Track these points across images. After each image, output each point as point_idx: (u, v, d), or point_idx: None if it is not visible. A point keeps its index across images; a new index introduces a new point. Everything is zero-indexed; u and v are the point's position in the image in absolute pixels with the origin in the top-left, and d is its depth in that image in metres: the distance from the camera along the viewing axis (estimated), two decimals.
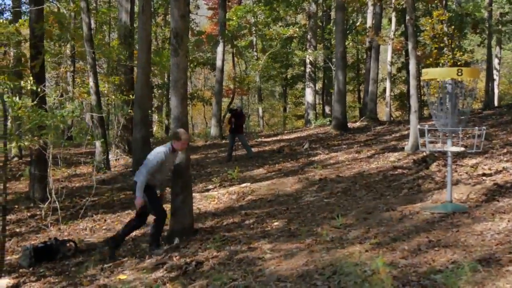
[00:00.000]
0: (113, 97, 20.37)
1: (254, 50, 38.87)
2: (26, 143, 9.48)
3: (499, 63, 37.62)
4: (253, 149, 19.04)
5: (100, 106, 18.78)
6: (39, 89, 11.53)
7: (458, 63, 21.32)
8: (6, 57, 21.25)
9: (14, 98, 9.10)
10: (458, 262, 5.67)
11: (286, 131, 28.45)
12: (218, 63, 27.41)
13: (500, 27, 28.89)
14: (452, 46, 24.27)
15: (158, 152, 8.80)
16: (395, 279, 5.39)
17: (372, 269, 5.73)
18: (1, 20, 15.70)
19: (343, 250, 6.77)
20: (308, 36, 32.54)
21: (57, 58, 30.45)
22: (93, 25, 25.36)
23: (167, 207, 11.13)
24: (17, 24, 15.88)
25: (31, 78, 11.72)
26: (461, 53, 23.32)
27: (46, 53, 15.34)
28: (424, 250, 6.30)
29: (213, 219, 10.34)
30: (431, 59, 21.98)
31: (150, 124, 33.21)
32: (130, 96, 19.24)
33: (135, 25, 22.41)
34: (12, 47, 18.50)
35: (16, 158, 21.88)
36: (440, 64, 21.49)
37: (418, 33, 27.87)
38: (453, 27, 23.11)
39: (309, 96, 32.36)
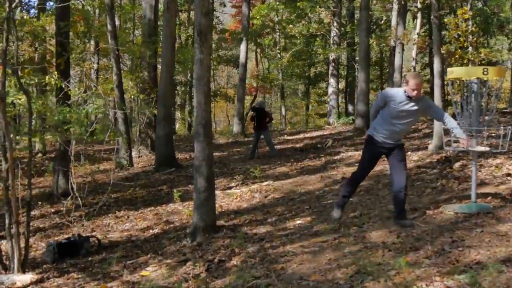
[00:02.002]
0: (135, 93, 20.48)
1: (278, 48, 38.85)
2: (49, 138, 9.56)
3: None
4: (275, 147, 19.02)
5: (124, 102, 18.88)
6: (63, 85, 11.62)
7: (482, 62, 21.12)
8: (33, 53, 21.43)
9: (38, 96, 9.19)
10: (482, 263, 5.63)
11: (308, 130, 28.41)
12: (241, 60, 27.47)
13: None
14: (477, 45, 24.08)
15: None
16: (418, 279, 5.36)
17: (395, 268, 5.71)
18: (27, 17, 15.83)
19: (366, 249, 6.75)
20: (332, 34, 32.46)
21: (82, 54, 30.64)
22: (117, 22, 25.50)
23: (189, 204, 11.20)
24: (41, 21, 16.01)
25: (55, 73, 11.81)
26: (486, 52, 23.12)
27: (71, 50, 15.43)
28: (448, 250, 6.26)
29: (236, 217, 10.35)
30: (455, 58, 21.81)
31: (173, 122, 33.31)
32: (154, 93, 19.33)
33: (159, 23, 22.50)
34: (37, 43, 18.67)
35: (40, 154, 22.07)
36: (465, 63, 21.33)
37: (443, 32, 27.66)
38: (475, 25, 22.88)
39: (332, 94, 32.28)
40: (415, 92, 7.57)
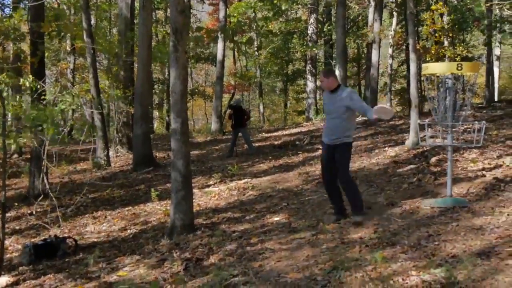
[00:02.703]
0: (111, 92, 20.36)
1: (255, 46, 38.82)
2: (23, 140, 9.46)
3: (499, 58, 37.60)
4: (254, 144, 19.02)
5: (100, 102, 18.78)
6: (38, 86, 11.51)
7: (457, 58, 21.28)
8: (5, 53, 21.23)
9: (13, 96, 9.10)
10: (458, 256, 5.68)
11: (287, 127, 28.43)
12: (219, 58, 27.45)
13: (498, 25, 28.76)
14: (453, 40, 24.25)
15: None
16: (395, 273, 5.39)
17: (372, 263, 5.73)
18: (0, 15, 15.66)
19: (343, 245, 6.78)
20: (309, 32, 32.49)
21: (56, 54, 30.47)
22: (93, 21, 25.32)
23: (167, 203, 11.17)
24: (14, 19, 15.85)
25: (30, 76, 11.69)
26: (461, 48, 23.29)
27: (45, 49, 15.30)
28: (424, 244, 6.31)
29: (214, 215, 10.33)
30: (431, 54, 21.93)
31: (151, 120, 33.20)
32: (128, 92, 19.22)
33: (135, 21, 22.39)
34: (11, 42, 18.47)
35: (16, 155, 21.87)
36: (441, 58, 21.46)
37: (419, 28, 27.82)
38: (448, 21, 23.02)
39: (310, 91, 32.32)
40: (322, 84, 8.18)
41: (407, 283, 5.12)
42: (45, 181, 11.16)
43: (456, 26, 25.33)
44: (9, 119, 14.21)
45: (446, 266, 5.36)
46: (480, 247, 5.93)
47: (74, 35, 20.85)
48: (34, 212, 12.41)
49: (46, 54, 18.91)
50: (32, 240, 9.96)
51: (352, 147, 8.42)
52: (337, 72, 23.03)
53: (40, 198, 11.81)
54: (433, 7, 21.89)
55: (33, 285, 7.53)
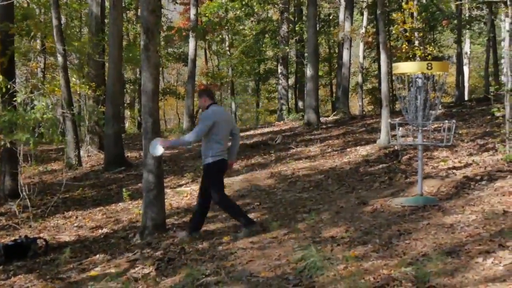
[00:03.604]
0: (81, 91, 20.21)
1: (226, 45, 38.77)
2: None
3: (469, 57, 37.99)
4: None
5: (71, 101, 18.62)
6: (8, 86, 11.39)
7: (428, 57, 21.46)
8: None
9: None
10: (428, 255, 5.73)
11: (259, 126, 28.44)
12: (190, 57, 27.34)
13: (469, 23, 29.08)
14: (424, 40, 24.43)
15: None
16: (366, 272, 5.43)
17: (344, 262, 5.77)
18: None
19: (315, 244, 6.80)
20: (281, 31, 32.53)
21: (25, 54, 30.10)
22: (63, 20, 25.09)
23: (139, 203, 11.12)
24: None
25: (0, 76, 11.57)
26: (431, 47, 23.47)
27: (15, 48, 15.12)
28: (395, 243, 6.36)
29: (186, 215, 10.31)
30: (402, 53, 22.08)
31: (123, 120, 33.00)
32: (99, 91, 19.08)
33: (106, 20, 22.25)
34: None
35: None
36: (411, 58, 21.63)
37: (390, 27, 27.99)
38: (421, 21, 23.20)
39: (281, 91, 32.37)
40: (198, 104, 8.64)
41: (378, 281, 5.16)
42: (20, 180, 11.04)
43: (426, 26, 25.54)
44: None
45: (417, 264, 5.41)
46: (450, 245, 5.99)
47: (45, 34, 20.66)
48: (5, 212, 12.27)
49: (16, 53, 18.69)
50: (3, 240, 9.83)
51: (215, 167, 8.15)
52: (308, 72, 23.14)
53: (11, 198, 11.67)
54: (404, 6, 22.03)
55: (3, 286, 7.44)
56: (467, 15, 29.19)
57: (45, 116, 10.15)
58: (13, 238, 9.63)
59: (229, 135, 8.44)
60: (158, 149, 8.11)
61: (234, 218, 8.45)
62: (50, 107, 10.96)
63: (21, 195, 10.64)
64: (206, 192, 8.28)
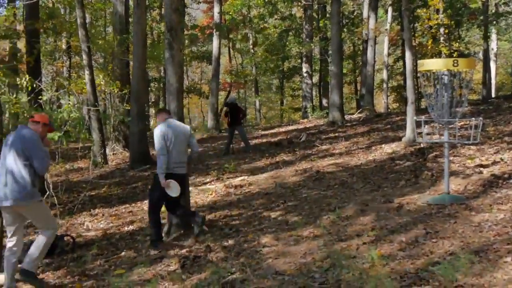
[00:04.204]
0: (106, 89, 20.34)
1: (250, 43, 38.79)
2: None
3: (496, 54, 37.57)
4: (250, 142, 18.99)
5: (97, 100, 18.76)
6: (34, 85, 11.50)
7: (454, 54, 21.29)
8: (1, 51, 21.20)
9: (9, 95, 9.06)
10: (455, 254, 5.68)
11: (283, 124, 28.42)
12: (214, 56, 27.39)
13: (495, 19, 28.77)
14: (449, 37, 24.25)
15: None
16: (392, 271, 5.40)
17: (370, 261, 5.73)
18: None
19: (340, 242, 6.78)
20: (304, 29, 32.47)
21: (51, 53, 30.38)
22: (88, 20, 25.28)
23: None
24: (5, 17, 15.83)
25: (27, 76, 11.68)
26: (457, 44, 23.30)
27: (41, 48, 15.29)
28: (422, 241, 6.31)
29: (211, 213, 10.32)
30: (427, 50, 21.94)
31: (147, 118, 33.16)
32: (124, 90, 19.20)
33: (130, 20, 22.38)
34: (8, 41, 18.45)
35: None
36: (436, 54, 21.48)
37: (415, 24, 27.82)
38: (446, 17, 23.02)
39: (306, 88, 32.32)
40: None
41: (404, 280, 5.13)
42: (47, 178, 11.13)
43: (452, 22, 25.33)
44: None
45: (444, 263, 5.36)
46: (478, 244, 5.93)
47: (70, 34, 20.84)
48: None
49: (42, 53, 18.88)
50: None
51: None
52: (332, 69, 23.05)
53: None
54: (429, 2, 21.88)
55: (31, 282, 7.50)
56: (493, 10, 28.89)
57: (72, 115, 10.22)
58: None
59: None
60: (175, 188, 8.26)
61: (150, 226, 8.67)
62: (76, 105, 11.03)
63: (48, 193, 10.70)
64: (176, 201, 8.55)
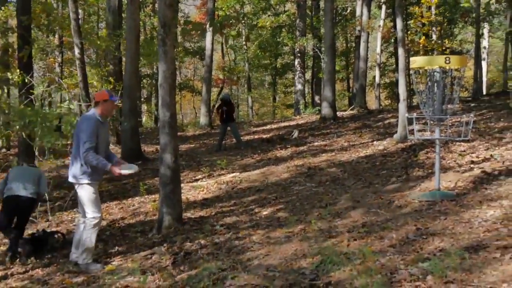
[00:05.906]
0: (99, 85, 20.29)
1: (243, 40, 38.76)
2: (11, 134, 9.43)
3: (487, 52, 37.67)
4: (242, 138, 18.98)
5: (88, 95, 18.71)
6: (26, 80, 11.47)
7: (446, 51, 21.32)
8: None
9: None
10: (446, 250, 5.68)
11: (275, 121, 28.42)
12: (207, 52, 27.36)
13: (487, 17, 28.80)
14: (442, 34, 24.28)
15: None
16: (383, 267, 5.40)
17: (360, 257, 5.74)
18: None
19: (331, 239, 6.78)
20: (297, 25, 32.46)
21: (45, 47, 30.26)
22: (81, 15, 25.21)
23: (155, 197, 11.14)
24: (1, 13, 15.77)
25: (18, 70, 11.65)
26: (449, 41, 23.33)
27: (33, 43, 15.24)
28: (412, 238, 6.32)
29: (202, 209, 10.32)
30: (419, 47, 21.97)
31: (139, 114, 33.09)
32: (119, 86, 19.15)
33: (123, 15, 22.32)
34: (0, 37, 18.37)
35: (4, 150, 21.77)
36: (429, 52, 21.51)
37: (408, 21, 27.83)
38: (439, 15, 23.06)
39: (298, 85, 32.31)
40: None
41: (395, 277, 5.13)
42: None
43: (445, 20, 25.37)
44: None
45: (434, 259, 5.36)
46: (468, 240, 5.94)
47: (62, 29, 20.76)
48: None
49: (34, 48, 18.81)
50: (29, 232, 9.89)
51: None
52: (325, 66, 23.02)
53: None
54: (422, 0, 21.90)
55: (21, 279, 7.48)
56: (485, 9, 28.91)
57: (61, 109, 10.20)
58: (30, 232, 9.69)
59: None
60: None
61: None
62: (67, 101, 10.99)
63: None
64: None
